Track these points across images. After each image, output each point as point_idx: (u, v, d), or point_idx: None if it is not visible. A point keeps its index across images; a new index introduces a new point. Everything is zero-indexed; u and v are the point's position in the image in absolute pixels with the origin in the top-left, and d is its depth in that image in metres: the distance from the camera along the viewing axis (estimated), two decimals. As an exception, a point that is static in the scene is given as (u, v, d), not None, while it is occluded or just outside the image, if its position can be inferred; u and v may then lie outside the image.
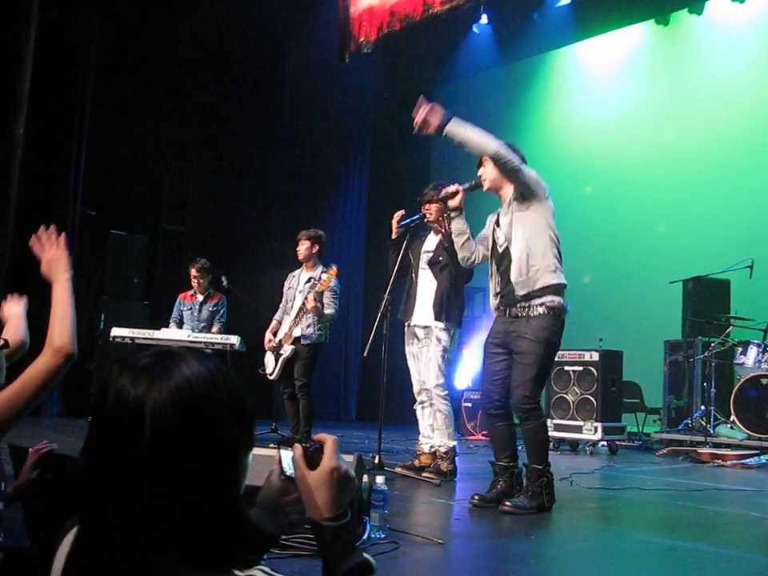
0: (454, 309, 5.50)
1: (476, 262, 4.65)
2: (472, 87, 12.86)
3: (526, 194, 4.32)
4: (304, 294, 6.57)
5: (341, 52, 9.81)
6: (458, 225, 4.51)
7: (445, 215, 5.34)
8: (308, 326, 6.56)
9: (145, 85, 10.10)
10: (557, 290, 4.29)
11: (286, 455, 1.37)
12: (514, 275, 4.30)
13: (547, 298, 4.25)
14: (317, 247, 6.74)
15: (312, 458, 1.33)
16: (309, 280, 6.63)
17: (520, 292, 4.28)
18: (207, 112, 11.06)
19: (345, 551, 1.27)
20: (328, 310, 6.52)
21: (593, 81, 11.85)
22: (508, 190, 4.47)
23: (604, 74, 11.71)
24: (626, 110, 11.32)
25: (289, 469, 1.36)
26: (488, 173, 4.48)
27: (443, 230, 5.38)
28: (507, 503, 4.14)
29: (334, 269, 6.51)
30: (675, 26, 11.06)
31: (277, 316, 6.92)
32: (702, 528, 4.12)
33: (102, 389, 1.14)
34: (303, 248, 6.73)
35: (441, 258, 5.55)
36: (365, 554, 1.30)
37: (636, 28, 11.37)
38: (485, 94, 12.51)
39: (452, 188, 4.49)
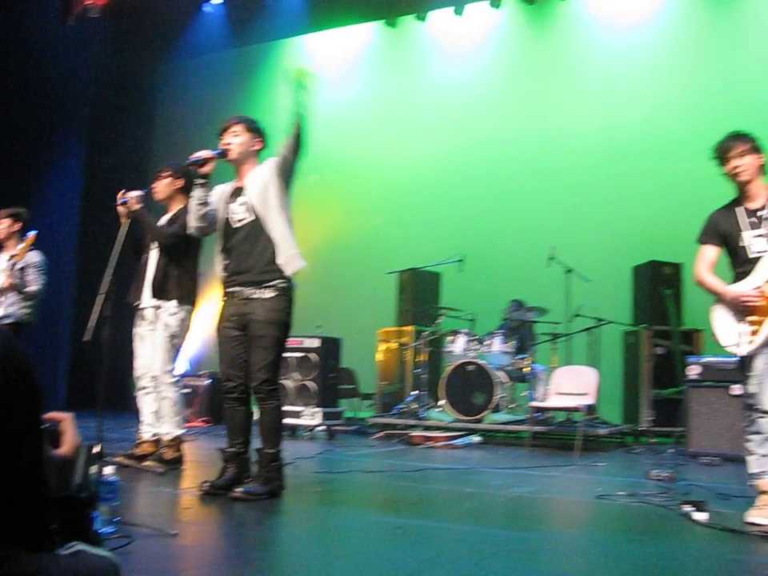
0: (179, 288, 5.23)
1: (209, 233, 4.54)
2: (201, 66, 12.52)
3: (287, 176, 4.30)
4: (6, 274, 6.06)
5: (65, 12, 9.13)
6: (201, 193, 4.32)
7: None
8: (10, 305, 6.07)
9: None
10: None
11: None
12: (258, 256, 4.24)
13: (280, 280, 4.24)
14: (18, 225, 6.25)
15: (52, 437, 1.33)
16: (10, 258, 6.12)
17: (261, 274, 4.23)
18: None
19: (92, 512, 1.37)
20: (33, 287, 6.06)
21: (320, 73, 12.01)
22: (249, 166, 4.40)
23: (332, 68, 11.90)
24: (352, 105, 11.64)
25: None
26: (241, 143, 4.37)
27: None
28: (238, 490, 4.09)
29: (30, 235, 6.00)
30: (402, 29, 11.54)
31: None
32: (424, 505, 4.33)
33: None
34: (3, 227, 6.22)
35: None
36: None
37: (366, 27, 11.71)
38: (213, 74, 12.28)
39: (206, 153, 4.28)
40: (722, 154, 3.94)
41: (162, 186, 5.40)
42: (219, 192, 4.48)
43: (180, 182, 5.36)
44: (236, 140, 4.38)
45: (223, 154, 4.36)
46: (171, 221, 5.31)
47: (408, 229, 10.77)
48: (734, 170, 3.90)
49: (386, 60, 11.75)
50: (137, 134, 12.22)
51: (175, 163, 5.45)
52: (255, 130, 4.46)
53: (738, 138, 3.94)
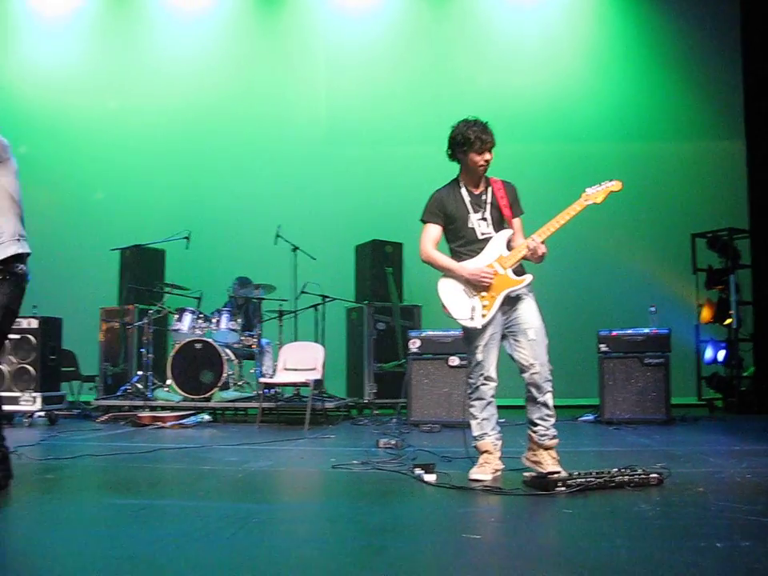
0: None
1: None
2: None
3: None
4: None
5: None
6: None
7: None
8: None
9: None
10: (20, 258, 4.01)
11: None
12: None
13: (9, 265, 3.94)
14: None
15: None
16: None
17: None
18: None
19: None
20: None
21: (43, 35, 11.20)
22: None
23: (53, 28, 11.19)
24: (72, 72, 11.02)
25: None
26: None
27: None
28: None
29: None
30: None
31: None
32: (164, 485, 4.31)
33: None
34: None
35: None
36: None
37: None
38: None
39: None
40: (482, 144, 4.09)
41: None
42: None
43: None
44: None
45: None
46: None
47: (130, 204, 10.44)
48: (487, 162, 4.18)
49: (109, 29, 11.22)
50: None
51: None
52: None
53: (490, 131, 4.13)
